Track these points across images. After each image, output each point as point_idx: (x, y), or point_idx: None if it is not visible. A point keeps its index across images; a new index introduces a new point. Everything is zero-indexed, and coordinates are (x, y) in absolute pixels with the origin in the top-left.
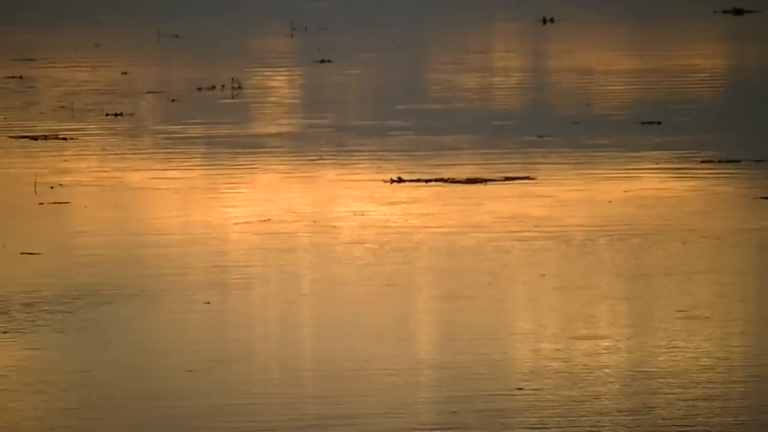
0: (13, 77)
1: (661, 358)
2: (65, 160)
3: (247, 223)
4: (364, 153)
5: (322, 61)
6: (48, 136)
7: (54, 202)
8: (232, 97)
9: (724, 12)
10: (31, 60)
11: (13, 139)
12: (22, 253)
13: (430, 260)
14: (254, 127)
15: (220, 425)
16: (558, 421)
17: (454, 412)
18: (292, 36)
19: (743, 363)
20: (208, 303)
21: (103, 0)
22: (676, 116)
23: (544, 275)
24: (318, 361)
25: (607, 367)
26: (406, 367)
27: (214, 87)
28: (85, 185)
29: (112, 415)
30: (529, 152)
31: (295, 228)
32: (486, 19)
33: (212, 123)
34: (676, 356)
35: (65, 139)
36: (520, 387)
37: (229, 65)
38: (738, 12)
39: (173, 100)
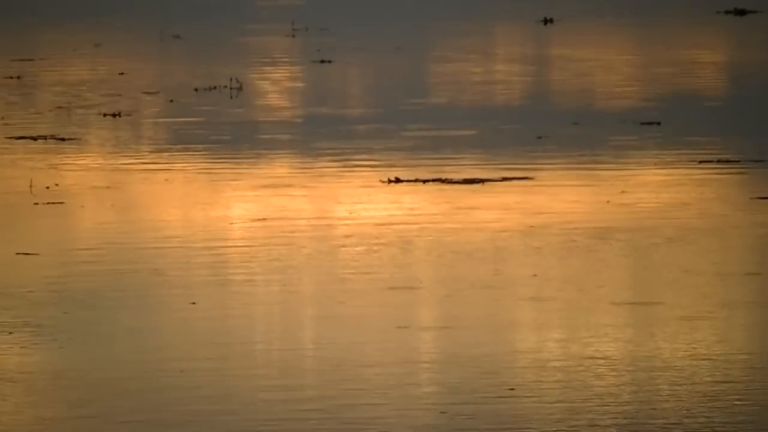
0: (12, 77)
1: (658, 360)
2: (63, 161)
3: (244, 222)
4: (362, 153)
5: (323, 62)
6: (46, 136)
7: (50, 202)
8: (232, 98)
9: (726, 12)
10: (30, 60)
11: (11, 139)
12: (17, 254)
13: (427, 260)
14: (253, 127)
15: (220, 424)
16: (552, 422)
17: (443, 412)
18: (293, 36)
19: (738, 360)
20: (194, 303)
21: (104, 0)
22: (676, 116)
23: (536, 275)
24: (313, 359)
25: (602, 367)
26: (399, 366)
27: (214, 87)
28: (81, 185)
29: (110, 414)
30: (528, 152)
31: (291, 227)
32: (486, 20)
33: (211, 123)
34: (673, 356)
35: (63, 139)
36: (512, 388)
37: (230, 65)
38: (740, 12)
39: (172, 101)
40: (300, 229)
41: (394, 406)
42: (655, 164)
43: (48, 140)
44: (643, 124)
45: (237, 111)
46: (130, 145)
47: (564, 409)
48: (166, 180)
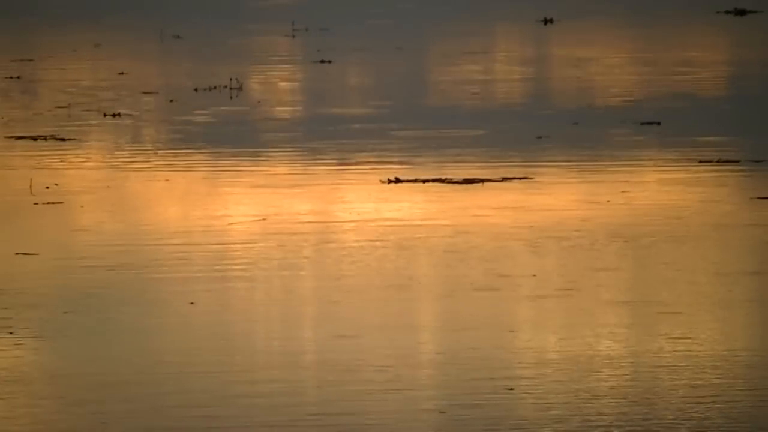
0: (12, 77)
1: (657, 360)
2: (63, 161)
3: (244, 222)
4: (362, 153)
5: (323, 62)
6: (46, 136)
7: (49, 202)
8: (232, 98)
9: (727, 12)
10: (30, 60)
11: (11, 139)
12: (16, 254)
13: (426, 260)
14: (253, 127)
15: (219, 424)
16: (552, 422)
17: (443, 412)
18: (293, 36)
19: (738, 359)
20: (193, 303)
21: (105, 0)
22: (676, 116)
23: (535, 275)
24: (311, 359)
25: (601, 367)
26: (399, 366)
27: (214, 87)
28: (81, 185)
29: (109, 414)
30: (528, 153)
31: (291, 227)
32: (486, 20)
33: (211, 123)
34: (673, 355)
35: (63, 139)
36: (511, 387)
37: (230, 65)
38: (740, 12)
39: (171, 101)
40: (300, 229)
41: (394, 406)
42: (655, 164)
43: (48, 140)
44: (643, 124)
45: (237, 111)
46: (130, 145)
47: (564, 409)
48: (166, 180)
